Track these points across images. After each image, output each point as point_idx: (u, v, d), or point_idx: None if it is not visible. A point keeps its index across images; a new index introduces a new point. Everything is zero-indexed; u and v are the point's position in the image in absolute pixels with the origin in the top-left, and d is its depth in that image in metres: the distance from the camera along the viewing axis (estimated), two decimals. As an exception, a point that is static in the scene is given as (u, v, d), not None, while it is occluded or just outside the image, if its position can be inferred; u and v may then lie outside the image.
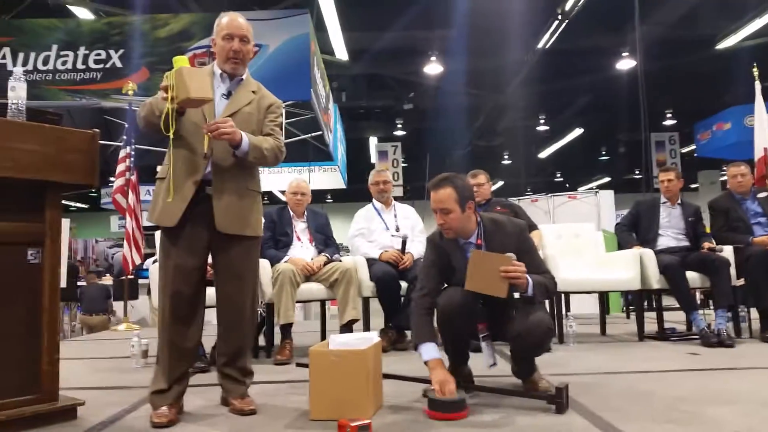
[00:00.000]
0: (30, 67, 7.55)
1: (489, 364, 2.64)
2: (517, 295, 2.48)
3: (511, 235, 2.68)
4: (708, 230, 4.75)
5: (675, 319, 5.08)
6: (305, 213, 4.40)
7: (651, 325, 4.51)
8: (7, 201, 2.34)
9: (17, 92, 2.38)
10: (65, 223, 2.84)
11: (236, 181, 2.52)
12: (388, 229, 4.52)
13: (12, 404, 2.29)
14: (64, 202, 2.59)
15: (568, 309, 4.64)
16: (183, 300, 2.46)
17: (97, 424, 2.37)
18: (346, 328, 3.95)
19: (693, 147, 14.88)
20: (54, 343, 2.43)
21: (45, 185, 2.42)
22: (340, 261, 4.20)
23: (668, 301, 4.82)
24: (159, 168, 2.58)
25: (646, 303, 5.05)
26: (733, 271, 4.25)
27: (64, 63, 7.66)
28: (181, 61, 2.31)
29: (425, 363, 2.55)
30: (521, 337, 2.55)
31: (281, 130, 2.76)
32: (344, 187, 14.25)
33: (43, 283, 2.42)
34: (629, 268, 4.30)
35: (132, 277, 7.37)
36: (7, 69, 7.52)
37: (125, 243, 6.59)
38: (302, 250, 4.25)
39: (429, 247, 2.83)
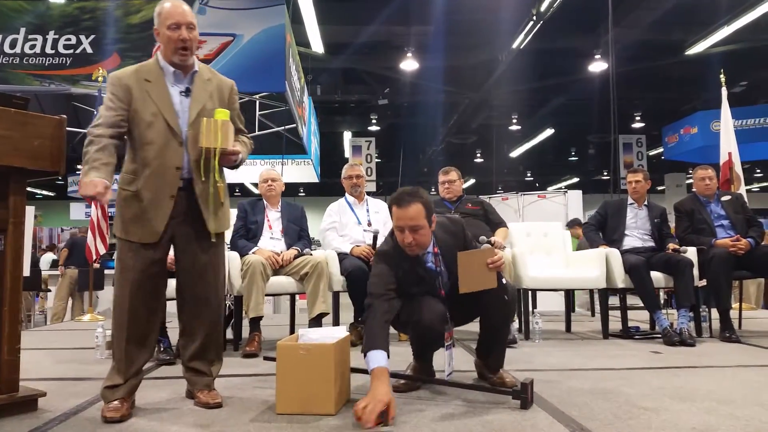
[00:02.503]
0: (-5, 49, 7.35)
1: (449, 372, 2.64)
2: (504, 281, 2.55)
3: (455, 233, 2.70)
4: (673, 232, 4.86)
5: (639, 318, 5.18)
6: (279, 203, 4.38)
7: (615, 324, 4.59)
8: (-31, 186, 2.28)
9: (-19, 75, 2.32)
10: (30, 210, 2.78)
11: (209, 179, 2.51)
12: (360, 224, 4.52)
13: (-31, 395, 2.24)
14: (29, 189, 2.53)
15: (534, 306, 4.70)
16: (142, 294, 2.40)
17: (58, 416, 2.33)
18: (315, 321, 3.95)
19: (660, 150, 15.18)
20: (15, 332, 2.38)
21: (9, 171, 2.36)
22: (311, 255, 4.18)
23: (632, 300, 4.91)
24: (122, 171, 2.48)
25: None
26: (695, 272, 4.35)
27: (32, 47, 7.47)
28: (223, 114, 2.41)
29: (371, 371, 2.30)
30: (491, 308, 2.60)
31: (241, 114, 2.74)
32: (317, 181, 14.20)
33: (4, 271, 2.37)
34: (595, 267, 4.38)
35: (98, 266, 7.23)
36: (-28, 51, 7.31)
37: (89, 232, 6.47)
38: (271, 242, 4.22)
39: (382, 260, 2.59)
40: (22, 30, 7.47)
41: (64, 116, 2.49)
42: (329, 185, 16.41)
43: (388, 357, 2.33)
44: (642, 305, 4.46)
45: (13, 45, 7.43)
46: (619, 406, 2.42)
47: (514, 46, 10.00)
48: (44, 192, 22.20)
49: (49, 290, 9.96)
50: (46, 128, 2.42)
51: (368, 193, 4.84)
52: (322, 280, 4.01)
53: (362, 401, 2.15)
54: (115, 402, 2.31)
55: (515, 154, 18.85)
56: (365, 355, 2.35)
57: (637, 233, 4.70)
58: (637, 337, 4.41)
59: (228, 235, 4.41)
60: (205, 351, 2.57)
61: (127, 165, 2.46)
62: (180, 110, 2.46)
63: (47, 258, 12.50)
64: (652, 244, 4.64)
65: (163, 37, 2.45)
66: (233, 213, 4.45)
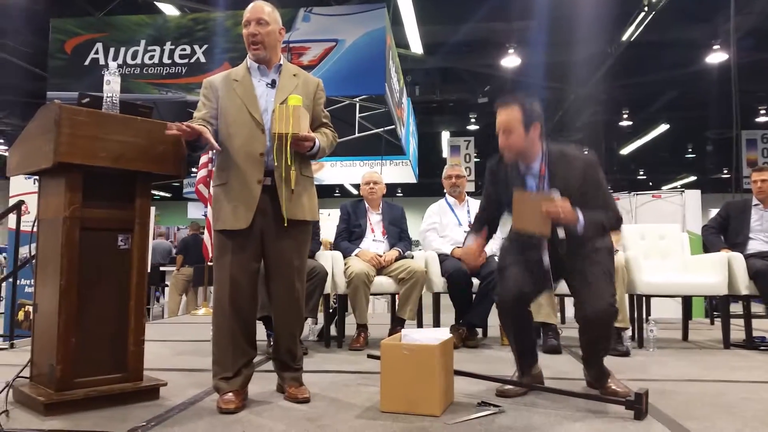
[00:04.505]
0: (120, 61, 7.92)
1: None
2: (561, 234, 2.48)
3: (577, 167, 2.59)
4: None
5: (765, 327, 4.79)
6: (381, 205, 4.45)
7: (737, 333, 4.27)
8: (101, 189, 2.47)
9: (112, 86, 2.50)
10: (151, 211, 2.98)
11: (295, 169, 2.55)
12: (460, 225, 4.48)
13: (101, 381, 2.43)
14: (150, 191, 2.69)
15: (648, 313, 4.45)
16: (243, 290, 2.50)
17: (178, 405, 2.48)
18: (399, 321, 4.09)
19: (789, 145, 13.96)
20: (140, 325, 2.56)
21: (136, 175, 2.54)
22: (412, 257, 4.22)
23: (756, 308, 4.55)
24: (213, 172, 2.64)
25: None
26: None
27: (151, 57, 7.99)
28: (296, 100, 2.47)
29: None
30: (587, 321, 2.49)
31: (325, 110, 2.80)
32: (415, 181, 14.23)
33: (131, 267, 2.55)
34: (716, 272, 4.09)
35: (212, 263, 7.63)
36: (100, 63, 7.94)
37: (206, 231, 6.84)
38: (374, 243, 4.30)
39: (486, 175, 2.81)
40: (143, 42, 8.01)
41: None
42: (427, 186, 16.40)
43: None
44: (769, 314, 4.13)
45: (134, 56, 7.99)
46: (746, 422, 2.25)
47: (624, 38, 9.54)
48: (161, 193, 23.78)
49: (166, 285, 10.60)
50: (169, 135, 2.57)
51: (467, 194, 4.77)
52: (416, 289, 4.06)
53: None
54: (230, 394, 2.42)
55: (626, 151, 17.96)
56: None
57: (762, 236, 4.37)
58: (762, 348, 4.07)
59: (327, 233, 4.53)
60: (292, 342, 2.63)
61: (217, 163, 2.61)
62: (264, 101, 2.56)
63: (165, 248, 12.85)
64: (780, 248, 4.29)
65: (244, 36, 2.61)
66: (335, 214, 4.57)
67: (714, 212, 4.84)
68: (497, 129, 2.61)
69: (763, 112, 13.78)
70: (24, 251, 5.08)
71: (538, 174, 2.61)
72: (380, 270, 4.16)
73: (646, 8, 8.55)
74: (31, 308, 2.80)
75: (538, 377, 2.75)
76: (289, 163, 2.49)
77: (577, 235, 2.48)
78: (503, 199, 2.72)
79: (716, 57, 9.99)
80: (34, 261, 2.60)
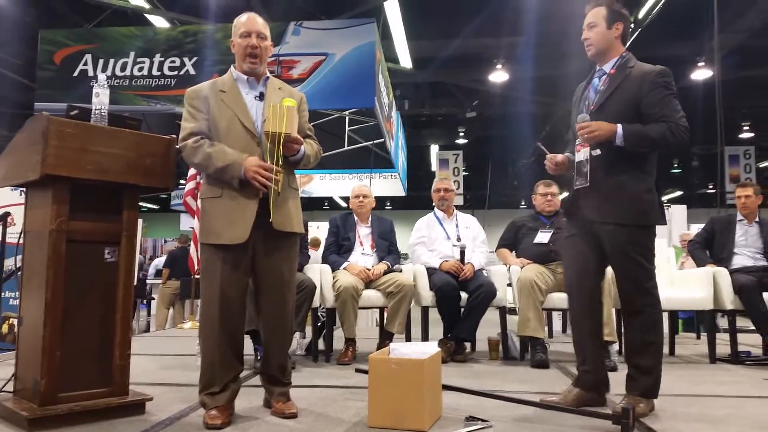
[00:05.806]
0: (109, 73, 7.90)
1: None
2: (597, 152, 2.61)
3: (643, 71, 2.66)
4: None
5: (749, 341, 4.83)
6: (370, 218, 4.45)
7: (723, 347, 4.30)
8: (88, 201, 2.46)
9: (101, 98, 2.49)
10: (138, 223, 2.96)
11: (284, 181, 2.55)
12: (449, 239, 4.49)
13: (86, 396, 2.41)
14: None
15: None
16: (233, 305, 2.48)
17: (164, 420, 2.45)
18: (387, 335, 4.08)
19: (773, 161, 14.17)
20: (126, 339, 2.54)
21: (123, 187, 2.53)
22: (401, 271, 4.22)
23: (742, 322, 4.58)
24: (203, 183, 2.61)
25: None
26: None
27: (140, 69, 7.98)
28: (290, 102, 2.48)
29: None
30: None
31: (308, 123, 2.80)
32: (404, 194, 14.27)
33: (118, 280, 2.53)
34: (702, 286, 4.12)
35: (198, 276, 7.58)
36: (89, 75, 7.91)
37: (192, 244, 6.80)
38: (363, 257, 4.30)
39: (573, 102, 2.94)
40: (132, 54, 8.00)
41: (174, 136, 2.64)
42: (416, 199, 16.44)
43: None
44: (753, 328, 4.16)
45: (123, 68, 7.98)
46: (732, 437, 2.26)
47: (610, 54, 9.65)
48: (149, 205, 23.65)
49: (153, 298, 10.51)
50: (158, 147, 2.58)
51: (456, 207, 4.80)
52: (404, 303, 4.06)
53: None
54: (216, 409, 2.40)
55: (611, 166, 18.10)
56: None
57: (747, 251, 4.42)
58: (748, 362, 4.10)
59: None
60: (280, 356, 2.62)
61: (207, 175, 2.56)
62: (255, 113, 2.56)
63: (154, 264, 12.88)
64: (764, 263, 4.34)
65: (236, 46, 2.59)
66: (324, 226, 4.57)
67: (696, 228, 4.89)
68: (583, 27, 2.74)
69: (746, 128, 13.98)
70: (9, 263, 5.02)
71: (607, 74, 2.71)
72: (369, 283, 4.16)
73: (632, 25, 8.68)
74: (15, 321, 2.77)
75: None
76: (280, 163, 2.48)
77: (616, 147, 2.57)
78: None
79: (701, 74, 10.15)
80: (19, 273, 2.57)
